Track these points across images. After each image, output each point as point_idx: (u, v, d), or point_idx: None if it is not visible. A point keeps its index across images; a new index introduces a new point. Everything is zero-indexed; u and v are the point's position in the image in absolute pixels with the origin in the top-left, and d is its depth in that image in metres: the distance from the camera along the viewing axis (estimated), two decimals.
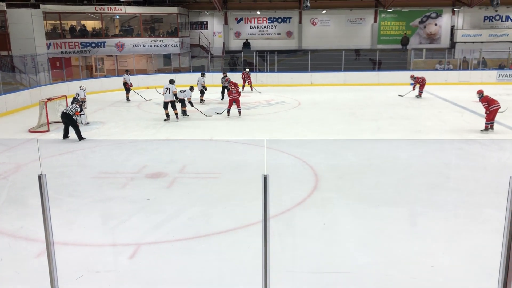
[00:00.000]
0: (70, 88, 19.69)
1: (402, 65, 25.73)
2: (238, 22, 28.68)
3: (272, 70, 24.77)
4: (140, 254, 5.69)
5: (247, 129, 13.23)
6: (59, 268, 4.25)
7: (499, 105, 12.08)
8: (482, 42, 26.97)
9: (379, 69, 24.91)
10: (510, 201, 3.50)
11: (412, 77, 19.05)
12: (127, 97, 19.21)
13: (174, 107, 14.29)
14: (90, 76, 25.22)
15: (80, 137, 11.68)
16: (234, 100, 14.81)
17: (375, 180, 8.43)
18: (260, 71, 24.69)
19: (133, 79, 22.83)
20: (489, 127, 12.12)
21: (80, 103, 12.72)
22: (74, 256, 5.66)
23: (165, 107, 14.23)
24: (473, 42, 27.05)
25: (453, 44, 27.80)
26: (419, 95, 18.88)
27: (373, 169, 9.09)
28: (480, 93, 12.61)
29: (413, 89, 19.02)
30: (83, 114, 13.79)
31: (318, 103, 17.73)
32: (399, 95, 19.29)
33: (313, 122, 14.10)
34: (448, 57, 25.43)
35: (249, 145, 10.67)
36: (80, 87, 14.83)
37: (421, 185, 8.07)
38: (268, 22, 28.67)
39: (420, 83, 18.77)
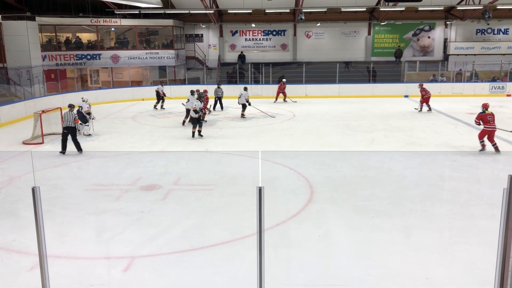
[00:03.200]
0: (65, 100, 19.63)
1: (396, 78, 25.93)
2: (233, 34, 28.86)
3: (267, 82, 24.89)
4: (134, 267, 5.64)
5: (242, 141, 13.24)
6: (52, 281, 4.21)
7: (495, 128, 11.09)
8: (474, 54, 27.28)
9: (373, 81, 25.09)
10: (504, 212, 3.52)
11: (421, 85, 18.54)
12: (158, 106, 20.02)
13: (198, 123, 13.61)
14: (85, 88, 25.22)
15: (79, 149, 11.43)
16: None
17: (370, 192, 8.44)
18: (255, 83, 24.81)
19: (128, 91, 22.90)
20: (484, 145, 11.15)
21: (76, 116, 12.46)
22: (67, 269, 5.61)
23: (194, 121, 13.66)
24: (466, 55, 27.35)
25: (446, 56, 28.09)
26: (420, 109, 18.37)
27: (367, 181, 9.11)
28: (485, 107, 11.31)
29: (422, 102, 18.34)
30: (88, 126, 13.82)
31: (313, 115, 17.80)
32: (415, 108, 18.89)
33: (307, 134, 14.14)
34: (441, 69, 25.68)
35: (244, 157, 10.68)
36: (82, 98, 14.63)
37: (415, 197, 8.09)
38: (263, 35, 28.87)
39: (424, 95, 18.11)
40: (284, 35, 28.84)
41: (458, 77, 25.51)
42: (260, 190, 3.54)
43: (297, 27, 28.49)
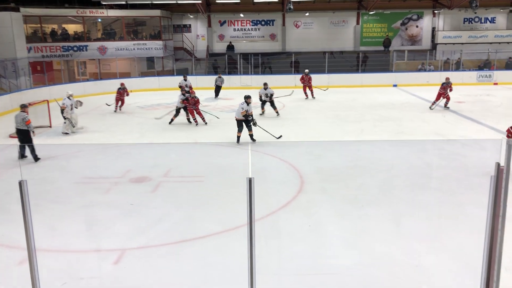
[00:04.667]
0: (52, 92, 19.43)
1: (384, 67, 26.00)
2: (221, 25, 28.66)
3: (256, 73, 24.82)
4: (125, 260, 5.63)
5: (232, 132, 13.19)
6: (42, 275, 4.18)
7: None
8: (462, 43, 27.42)
9: (362, 71, 25.15)
10: (491, 200, 3.56)
11: (448, 79, 16.15)
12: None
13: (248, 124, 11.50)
14: (73, 80, 24.92)
15: (35, 157, 10.01)
16: (191, 110, 14.08)
17: (359, 182, 8.49)
18: (244, 73, 24.73)
19: (116, 83, 22.47)
20: None
21: (26, 117, 10.29)
22: (57, 263, 5.58)
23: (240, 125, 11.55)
24: (453, 44, 27.48)
25: (434, 45, 28.20)
26: (446, 105, 16.09)
27: (357, 171, 9.16)
28: None
29: (443, 97, 16.00)
30: (65, 123, 13.26)
31: (302, 105, 17.80)
32: (430, 107, 16.38)
33: (297, 124, 14.14)
34: (429, 59, 25.80)
35: (234, 148, 10.66)
36: (67, 92, 13.75)
37: (405, 186, 8.16)
38: (252, 25, 28.73)
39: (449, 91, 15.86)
40: (272, 25, 28.72)
41: (446, 66, 25.67)
42: (250, 181, 3.54)
43: (285, 17, 28.39)
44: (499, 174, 3.41)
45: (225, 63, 25.52)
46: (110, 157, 10.71)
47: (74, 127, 13.38)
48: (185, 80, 18.80)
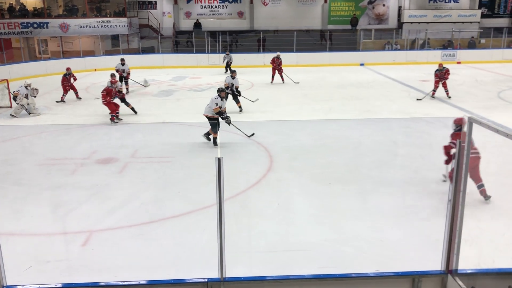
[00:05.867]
0: (12, 71, 18.71)
1: (352, 46, 26.17)
2: (188, 1, 28.06)
3: (224, 51, 24.52)
4: (93, 242, 5.56)
5: (200, 111, 13.07)
6: (6, 260, 4.07)
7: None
8: (427, 22, 27.84)
9: (330, 50, 25.24)
10: (453, 175, 3.67)
11: (441, 65, 14.24)
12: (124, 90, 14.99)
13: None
14: (34, 58, 24.00)
15: None
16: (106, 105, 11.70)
17: (328, 160, 8.61)
18: (212, 52, 24.42)
19: (80, 62, 21.79)
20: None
21: None
22: (22, 247, 5.45)
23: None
24: (419, 23, 27.88)
25: (400, 24, 28.53)
26: (433, 95, 14.37)
27: (325, 149, 9.28)
28: (457, 123, 7.20)
29: (437, 86, 14.25)
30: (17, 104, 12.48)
31: (271, 85, 17.78)
32: (417, 99, 14.43)
33: (266, 103, 14.12)
34: (395, 37, 26.11)
35: (202, 128, 10.55)
36: (25, 82, 12.92)
37: (371, 163, 8.33)
38: (219, 2, 28.24)
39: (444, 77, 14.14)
40: (240, 2, 28.33)
41: (413, 45, 26.07)
42: (219, 160, 3.52)
43: None
44: (461, 151, 3.51)
45: (191, 40, 25.05)
46: (75, 137, 10.45)
47: (29, 114, 12.61)
48: (123, 64, 16.04)
